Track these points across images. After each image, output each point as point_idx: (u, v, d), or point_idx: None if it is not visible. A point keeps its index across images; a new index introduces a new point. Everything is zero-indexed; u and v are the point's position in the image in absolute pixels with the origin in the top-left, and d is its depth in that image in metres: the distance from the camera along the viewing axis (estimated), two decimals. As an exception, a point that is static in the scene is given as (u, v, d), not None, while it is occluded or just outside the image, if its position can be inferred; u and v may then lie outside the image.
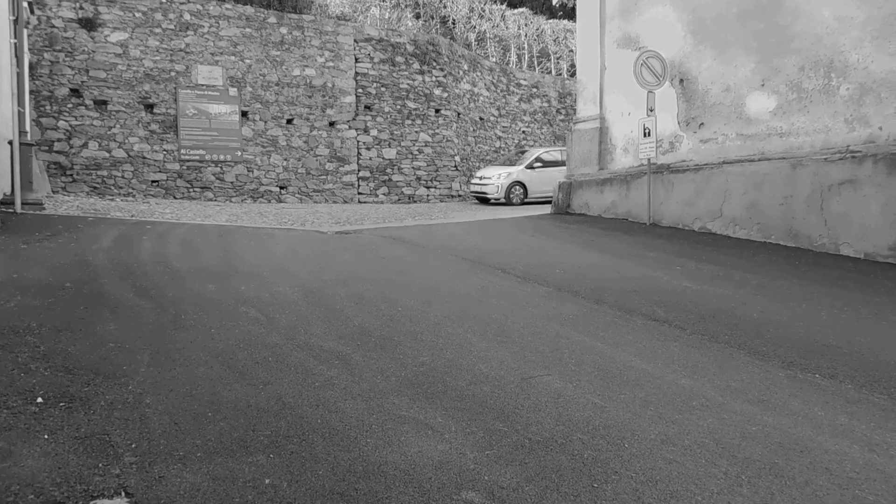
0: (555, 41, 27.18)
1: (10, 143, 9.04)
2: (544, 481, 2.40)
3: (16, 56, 9.30)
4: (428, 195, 19.07)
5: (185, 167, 16.11)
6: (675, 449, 2.69)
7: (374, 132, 18.55)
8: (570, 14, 30.51)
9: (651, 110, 9.72)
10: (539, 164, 18.32)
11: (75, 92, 14.90)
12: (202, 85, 16.24)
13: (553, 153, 18.84)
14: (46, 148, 14.53)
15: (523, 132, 24.56)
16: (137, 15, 15.51)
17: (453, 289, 5.68)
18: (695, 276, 6.34)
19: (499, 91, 23.57)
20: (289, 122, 17.38)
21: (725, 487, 2.40)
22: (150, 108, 15.71)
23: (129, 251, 6.72)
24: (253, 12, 16.93)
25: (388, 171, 18.71)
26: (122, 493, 2.21)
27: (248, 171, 16.89)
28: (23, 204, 9.03)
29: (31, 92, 13.11)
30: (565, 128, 24.42)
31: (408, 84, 19.07)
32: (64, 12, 14.75)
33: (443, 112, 19.75)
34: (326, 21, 18.15)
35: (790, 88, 8.41)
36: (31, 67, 13.76)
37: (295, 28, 17.41)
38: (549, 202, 18.40)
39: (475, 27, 24.87)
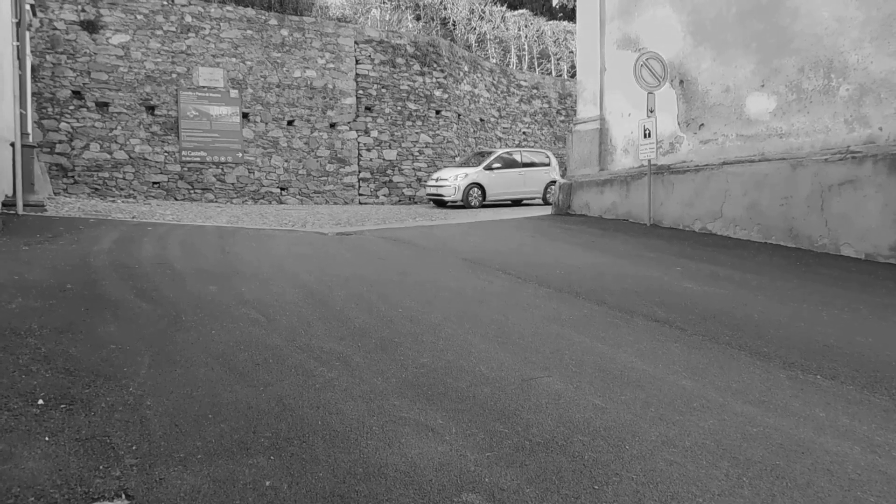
0: (555, 42, 27.19)
1: (12, 145, 9.06)
2: (545, 483, 2.40)
3: (18, 58, 9.32)
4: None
5: (186, 169, 16.12)
6: (675, 450, 2.68)
7: (374, 133, 18.56)
8: (570, 15, 30.52)
9: (651, 111, 9.72)
10: (499, 165, 17.87)
11: (77, 94, 14.92)
12: (203, 87, 16.26)
13: (514, 154, 18.61)
14: (48, 150, 14.55)
15: (524, 133, 24.57)
16: (139, 17, 15.54)
17: (454, 289, 5.68)
18: (695, 276, 6.34)
19: (499, 92, 23.58)
20: (289, 123, 17.39)
21: (727, 489, 2.39)
22: (151, 109, 15.73)
23: (129, 253, 6.73)
24: (254, 14, 16.95)
25: (389, 172, 18.73)
26: (123, 496, 2.21)
27: (249, 172, 16.90)
28: (24, 206, 9.05)
29: (32, 94, 13.13)
30: (566, 128, 24.41)
31: (408, 85, 19.08)
32: (66, 15, 14.78)
33: (443, 113, 19.76)
34: (327, 23, 18.17)
35: (790, 89, 8.41)
36: (33, 70, 13.78)
37: (296, 30, 17.43)
38: (510, 205, 18.01)
39: (475, 29, 24.88)
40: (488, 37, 25.24)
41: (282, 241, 8.44)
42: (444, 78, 19.83)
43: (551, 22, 28.27)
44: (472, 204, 17.10)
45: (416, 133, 19.17)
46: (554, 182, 18.47)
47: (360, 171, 18.31)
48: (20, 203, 8.92)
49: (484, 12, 25.34)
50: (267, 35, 17.02)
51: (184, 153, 16.06)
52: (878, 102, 7.50)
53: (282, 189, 17.39)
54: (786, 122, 8.47)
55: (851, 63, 7.75)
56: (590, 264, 7.08)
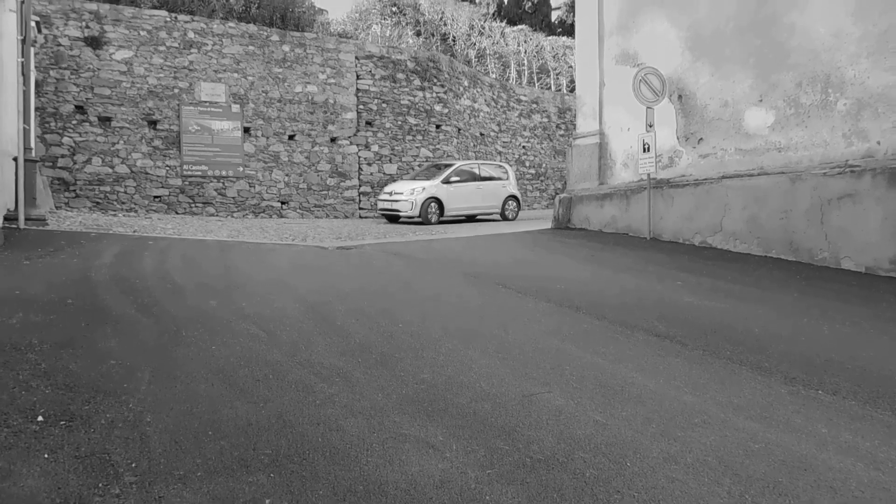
0: (554, 57, 27.36)
1: (15, 159, 9.09)
2: (546, 500, 2.39)
3: (22, 74, 9.38)
4: (429, 210, 19.08)
5: (187, 183, 16.17)
6: (677, 467, 2.67)
7: (375, 148, 18.63)
8: (569, 31, 30.73)
9: (650, 126, 9.76)
10: (457, 178, 16.67)
11: (80, 109, 15.00)
12: (205, 101, 16.34)
13: (472, 168, 17.44)
14: (50, 164, 14.60)
15: (523, 147, 24.66)
16: (142, 33, 15.65)
17: (454, 304, 5.68)
18: (696, 290, 6.34)
19: (499, 107, 23.69)
20: (290, 137, 17.46)
21: (728, 506, 2.38)
22: (153, 124, 15.80)
23: (130, 267, 6.73)
24: (256, 30, 17.08)
25: (390, 186, 18.77)
26: (122, 513, 2.20)
27: (250, 186, 16.95)
28: (26, 220, 9.06)
29: (36, 109, 13.21)
30: (565, 143, 24.51)
31: (409, 100, 19.18)
32: (70, 31, 14.89)
33: (443, 128, 19.84)
34: (328, 39, 18.30)
35: (788, 103, 8.45)
36: (37, 85, 13.87)
37: (297, 45, 17.55)
38: (468, 221, 16.95)
39: (475, 44, 25.05)
40: (488, 52, 25.41)
41: (282, 255, 8.45)
42: (445, 93, 19.93)
43: (550, 37, 28.49)
44: (431, 220, 15.90)
45: (417, 147, 19.24)
46: (513, 197, 17.68)
47: (360, 186, 18.35)
48: (22, 217, 8.94)
49: (483, 28, 25.54)
50: (269, 51, 17.13)
51: (185, 167, 16.11)
52: (876, 117, 7.54)
53: (282, 203, 17.43)
54: (784, 137, 8.51)
55: (849, 78, 7.79)
56: (590, 278, 7.08)
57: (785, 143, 8.50)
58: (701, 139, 9.60)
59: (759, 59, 8.78)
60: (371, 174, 18.47)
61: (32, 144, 10.55)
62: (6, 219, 9.01)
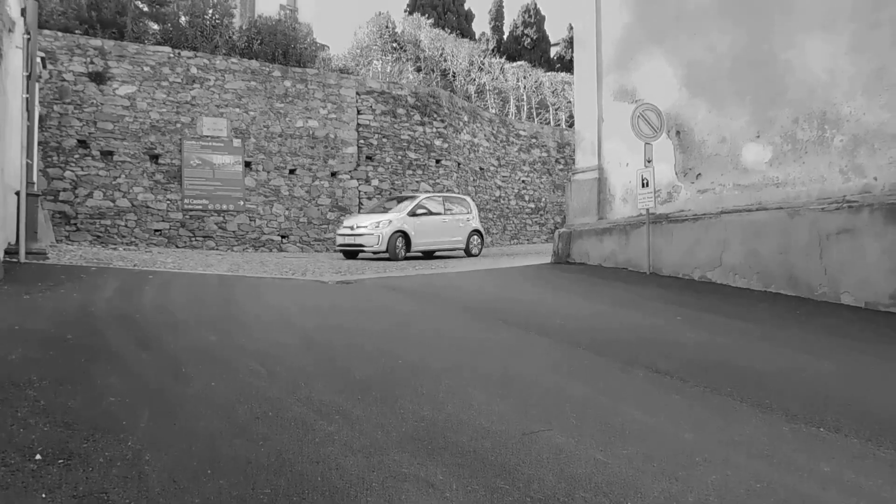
0: (553, 93, 27.73)
1: (17, 193, 9.16)
2: (547, 541, 2.36)
3: (27, 110, 9.50)
4: (429, 244, 19.13)
5: (187, 216, 16.25)
6: (679, 507, 2.65)
7: (375, 182, 18.78)
8: (567, 66, 31.19)
9: (649, 161, 9.86)
10: (423, 211, 15.82)
11: (83, 143, 15.16)
12: (207, 136, 16.52)
13: (436, 200, 16.57)
14: (52, 197, 14.70)
15: (523, 181, 24.84)
16: (146, 69, 15.90)
17: (454, 339, 5.67)
18: (696, 326, 6.33)
19: (498, 141, 23.93)
20: (291, 172, 17.61)
21: (731, 547, 2.36)
22: (155, 158, 15.95)
23: (130, 301, 6.73)
24: (258, 66, 17.35)
25: (390, 219, 18.85)
26: (119, 555, 2.17)
27: (251, 220, 17.03)
28: (27, 253, 9.09)
29: (39, 143, 13.34)
30: (564, 177, 24.69)
31: (409, 135, 19.39)
32: (75, 66, 15.13)
33: (443, 162, 20.02)
34: (329, 74, 18.58)
35: (785, 139, 8.56)
36: (41, 119, 14.04)
37: (298, 81, 17.81)
38: (425, 257, 15.93)
39: (475, 80, 25.41)
40: (487, 87, 25.77)
41: (282, 289, 8.46)
42: (445, 128, 20.16)
43: (549, 73, 28.93)
44: (399, 255, 14.95)
45: (417, 182, 19.39)
46: (477, 231, 16.88)
47: (360, 219, 18.45)
48: (23, 251, 8.96)
49: (483, 64, 25.93)
50: (270, 86, 17.38)
51: (186, 201, 16.21)
52: (872, 153, 7.62)
53: (283, 237, 17.49)
54: (782, 172, 8.59)
55: (844, 114, 7.90)
56: (590, 313, 7.08)
57: (783, 179, 8.57)
58: (699, 174, 9.69)
59: (755, 95, 8.92)
60: (371, 208, 18.58)
61: (35, 178, 10.64)
62: (7, 252, 9.04)
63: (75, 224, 15.00)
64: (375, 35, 23.65)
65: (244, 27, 18.97)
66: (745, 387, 4.36)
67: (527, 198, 24.90)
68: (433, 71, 24.41)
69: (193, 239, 16.27)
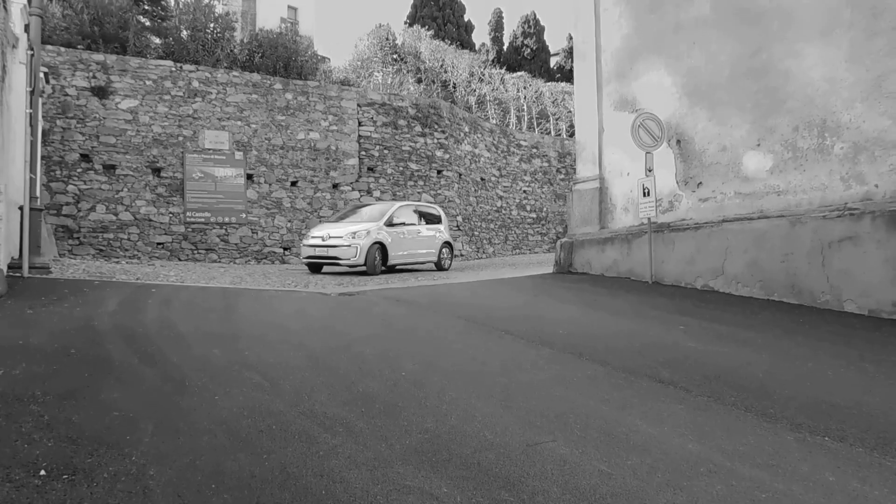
0: (553, 103, 27.82)
1: (21, 208, 9.19)
2: (552, 554, 2.35)
3: (30, 125, 9.55)
4: (431, 254, 19.14)
5: (190, 229, 16.29)
6: (684, 518, 2.64)
7: (377, 193, 18.82)
8: (567, 76, 31.34)
9: (650, 170, 9.88)
10: (400, 220, 14.63)
11: (85, 157, 15.23)
12: (209, 149, 16.59)
13: (411, 208, 15.45)
14: (55, 212, 14.75)
15: (524, 191, 24.87)
16: (148, 83, 15.99)
17: (457, 351, 5.67)
18: (699, 335, 6.32)
19: (499, 152, 23.99)
20: (293, 184, 17.67)
21: (737, 559, 2.35)
22: (157, 171, 16.02)
23: (133, 315, 6.74)
24: (259, 79, 17.44)
25: (391, 230, 18.87)
26: (124, 571, 2.17)
27: (253, 232, 17.07)
28: (30, 268, 9.11)
29: (42, 157, 13.41)
30: (566, 187, 24.75)
31: (410, 146, 19.46)
32: (78, 81, 15.23)
33: (444, 173, 20.07)
34: (330, 86, 18.67)
35: (785, 148, 8.58)
36: (44, 134, 14.12)
37: (300, 93, 17.90)
38: (389, 272, 14.55)
39: (475, 90, 25.51)
40: (488, 98, 25.86)
41: (285, 301, 8.46)
42: (445, 138, 20.23)
43: (549, 83, 29.04)
44: (377, 269, 13.65)
45: (418, 193, 19.44)
46: (448, 244, 15.91)
47: (362, 230, 18.46)
48: (26, 265, 8.98)
49: (483, 75, 26.04)
50: (272, 99, 17.47)
51: (188, 214, 16.26)
52: (873, 160, 7.64)
53: (285, 249, 17.52)
54: (783, 180, 8.60)
55: (844, 122, 7.93)
56: (593, 323, 7.08)
57: (784, 187, 8.59)
58: (700, 183, 9.71)
59: (755, 104, 8.95)
60: (373, 219, 18.60)
61: (38, 193, 10.68)
62: (10, 267, 9.06)
63: (78, 238, 15.05)
64: (376, 47, 23.78)
65: (245, 40, 19.09)
66: (749, 396, 4.35)
67: (528, 208, 24.93)
68: (434, 82, 24.52)
69: (196, 252, 16.31)
